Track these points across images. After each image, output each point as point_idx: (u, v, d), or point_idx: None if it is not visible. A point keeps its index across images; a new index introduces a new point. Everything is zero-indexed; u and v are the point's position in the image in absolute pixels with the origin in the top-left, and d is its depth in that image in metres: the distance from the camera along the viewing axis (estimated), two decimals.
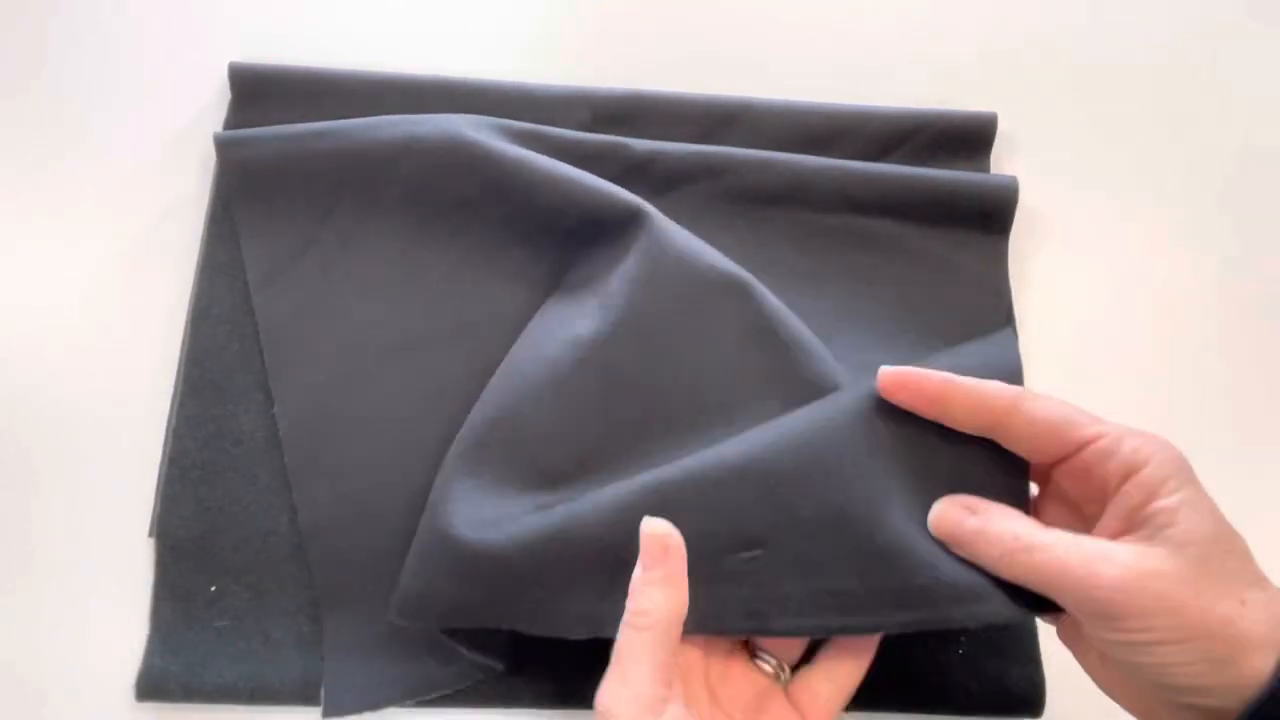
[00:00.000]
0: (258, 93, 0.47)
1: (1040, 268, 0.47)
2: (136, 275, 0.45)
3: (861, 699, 0.39)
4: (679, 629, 0.31)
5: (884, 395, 0.33)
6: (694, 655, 0.33)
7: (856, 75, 0.50)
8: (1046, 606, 0.30)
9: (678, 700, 0.30)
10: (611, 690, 0.30)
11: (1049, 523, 0.31)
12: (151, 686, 0.39)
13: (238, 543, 0.41)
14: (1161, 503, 0.28)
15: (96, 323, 0.45)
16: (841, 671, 0.34)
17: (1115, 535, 0.29)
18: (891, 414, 0.33)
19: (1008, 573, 0.30)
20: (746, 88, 0.49)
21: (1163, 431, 0.31)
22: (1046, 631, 0.41)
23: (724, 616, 0.33)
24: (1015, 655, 0.40)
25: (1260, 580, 0.28)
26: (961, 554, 0.31)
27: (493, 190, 0.44)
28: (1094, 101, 0.51)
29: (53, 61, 0.49)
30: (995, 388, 0.32)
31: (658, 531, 0.31)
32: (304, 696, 0.39)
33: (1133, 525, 0.29)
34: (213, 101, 0.48)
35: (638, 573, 0.31)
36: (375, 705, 0.39)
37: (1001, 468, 0.33)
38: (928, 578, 0.31)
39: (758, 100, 0.48)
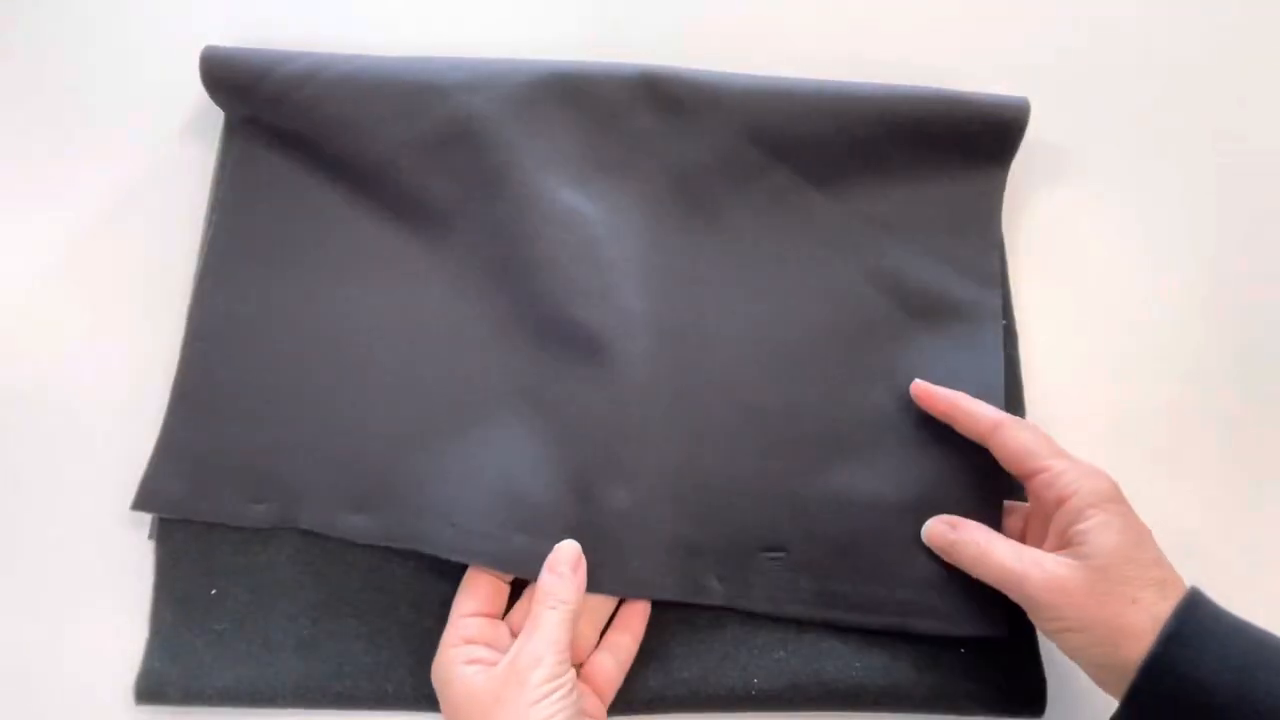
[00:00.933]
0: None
1: (1038, 270, 0.47)
2: (137, 286, 0.45)
3: (863, 700, 0.40)
4: (575, 622, 0.38)
5: (914, 397, 0.43)
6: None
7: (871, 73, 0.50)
8: (997, 627, 0.40)
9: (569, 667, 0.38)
10: (535, 648, 0.36)
11: (1031, 531, 0.40)
12: (151, 690, 0.39)
13: (238, 546, 0.41)
14: (1079, 527, 0.37)
15: (98, 325, 0.45)
16: (621, 647, 0.40)
17: (1053, 549, 0.38)
18: (899, 451, 0.43)
19: (975, 572, 0.39)
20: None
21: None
22: None
23: (750, 598, 0.41)
24: (1016, 656, 0.40)
25: (1162, 583, 0.35)
26: (947, 559, 0.40)
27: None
28: (1093, 107, 0.51)
29: (54, 58, 0.49)
30: (981, 412, 0.41)
31: (575, 548, 0.39)
32: (304, 700, 0.39)
33: (1063, 542, 0.38)
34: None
35: (555, 576, 0.38)
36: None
37: (981, 496, 0.41)
38: (908, 594, 0.40)
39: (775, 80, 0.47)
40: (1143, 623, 0.34)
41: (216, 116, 0.48)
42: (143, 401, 0.43)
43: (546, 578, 0.38)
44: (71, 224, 0.46)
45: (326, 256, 0.45)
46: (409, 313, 0.44)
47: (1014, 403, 0.44)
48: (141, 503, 0.41)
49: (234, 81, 0.46)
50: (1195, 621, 0.34)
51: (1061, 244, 0.48)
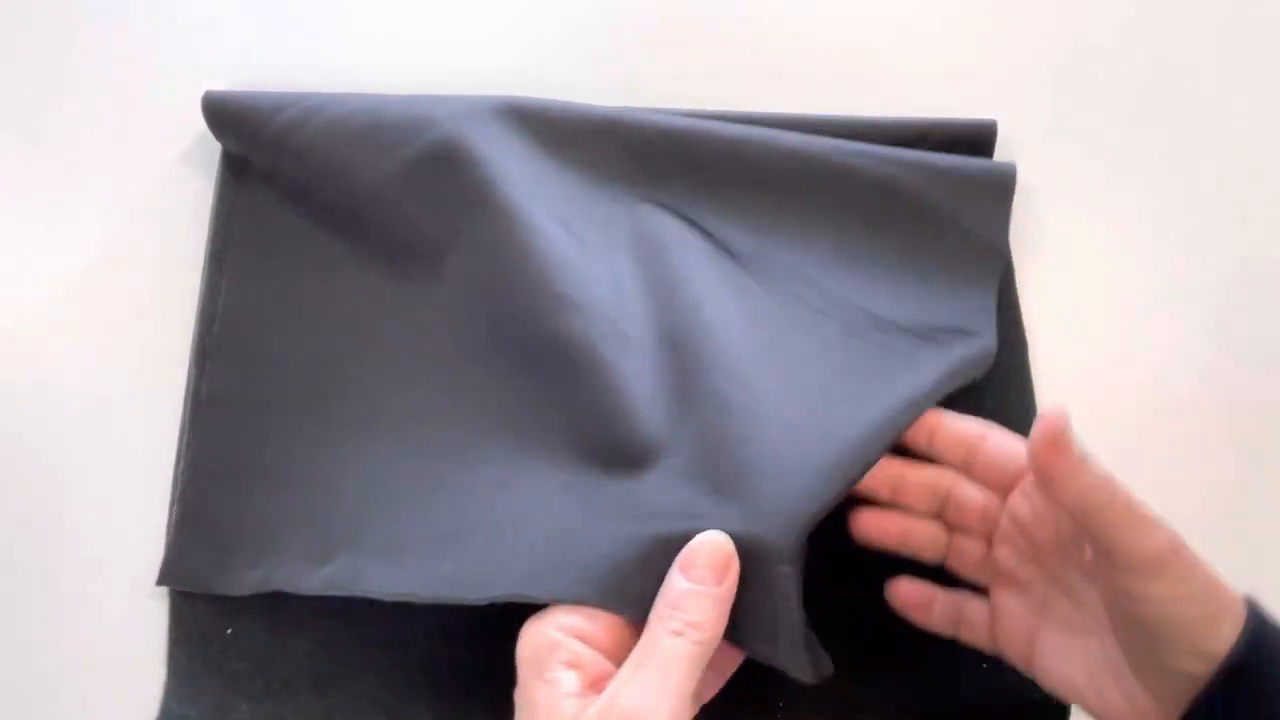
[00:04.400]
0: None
1: (1041, 273, 0.47)
2: (144, 320, 0.45)
3: (886, 713, 0.39)
4: (708, 659, 0.28)
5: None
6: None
7: (852, 84, 0.50)
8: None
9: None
10: (648, 693, 0.26)
11: (1002, 560, 0.34)
12: None
13: None
14: (1138, 590, 0.29)
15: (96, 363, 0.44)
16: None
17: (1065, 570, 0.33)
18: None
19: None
20: (731, 94, 0.48)
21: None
22: None
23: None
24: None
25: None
26: None
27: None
28: (1093, 108, 0.50)
29: (56, 61, 0.49)
30: (966, 423, 0.35)
31: (724, 545, 0.29)
32: None
33: (1105, 595, 0.32)
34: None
35: (690, 582, 0.28)
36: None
37: None
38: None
39: (751, 124, 0.47)
40: (1232, 601, 0.29)
41: (214, 145, 0.47)
42: (152, 427, 0.43)
43: (679, 582, 0.28)
44: (68, 259, 0.46)
45: (331, 313, 0.44)
46: (414, 361, 0.43)
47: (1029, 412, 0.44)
48: (166, 577, 0.40)
49: (237, 130, 0.45)
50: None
51: (1064, 255, 0.47)
